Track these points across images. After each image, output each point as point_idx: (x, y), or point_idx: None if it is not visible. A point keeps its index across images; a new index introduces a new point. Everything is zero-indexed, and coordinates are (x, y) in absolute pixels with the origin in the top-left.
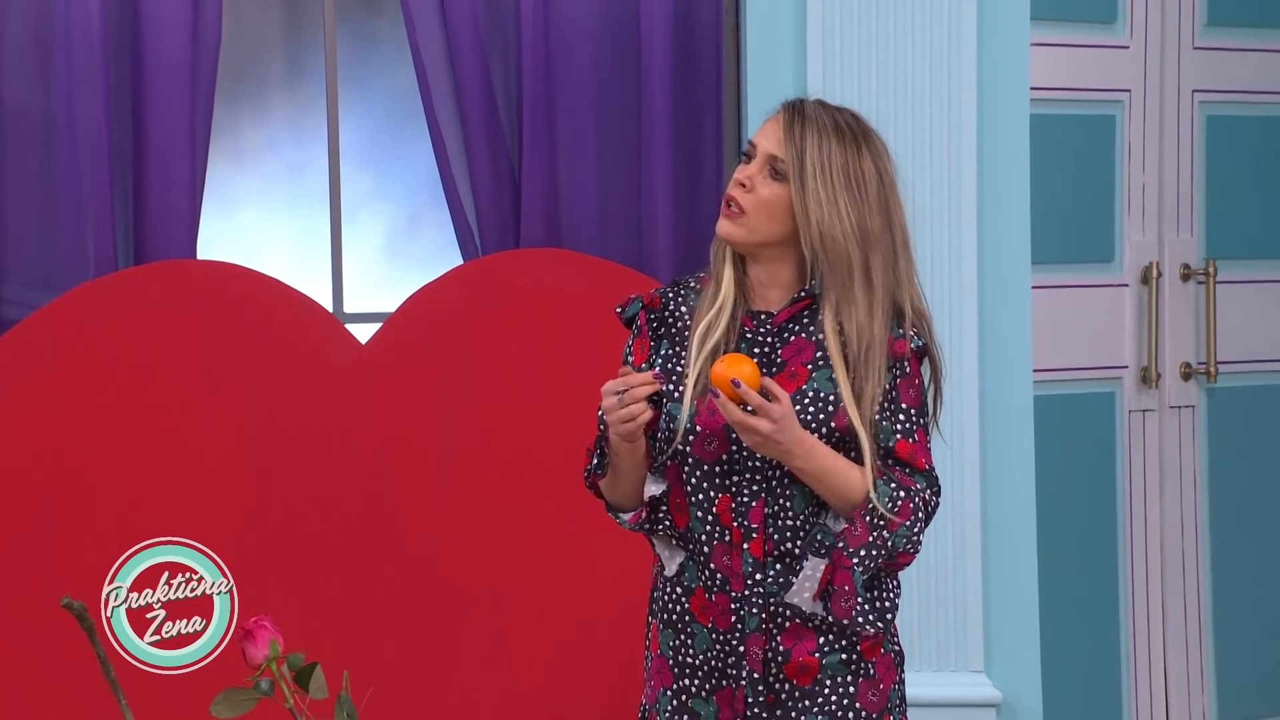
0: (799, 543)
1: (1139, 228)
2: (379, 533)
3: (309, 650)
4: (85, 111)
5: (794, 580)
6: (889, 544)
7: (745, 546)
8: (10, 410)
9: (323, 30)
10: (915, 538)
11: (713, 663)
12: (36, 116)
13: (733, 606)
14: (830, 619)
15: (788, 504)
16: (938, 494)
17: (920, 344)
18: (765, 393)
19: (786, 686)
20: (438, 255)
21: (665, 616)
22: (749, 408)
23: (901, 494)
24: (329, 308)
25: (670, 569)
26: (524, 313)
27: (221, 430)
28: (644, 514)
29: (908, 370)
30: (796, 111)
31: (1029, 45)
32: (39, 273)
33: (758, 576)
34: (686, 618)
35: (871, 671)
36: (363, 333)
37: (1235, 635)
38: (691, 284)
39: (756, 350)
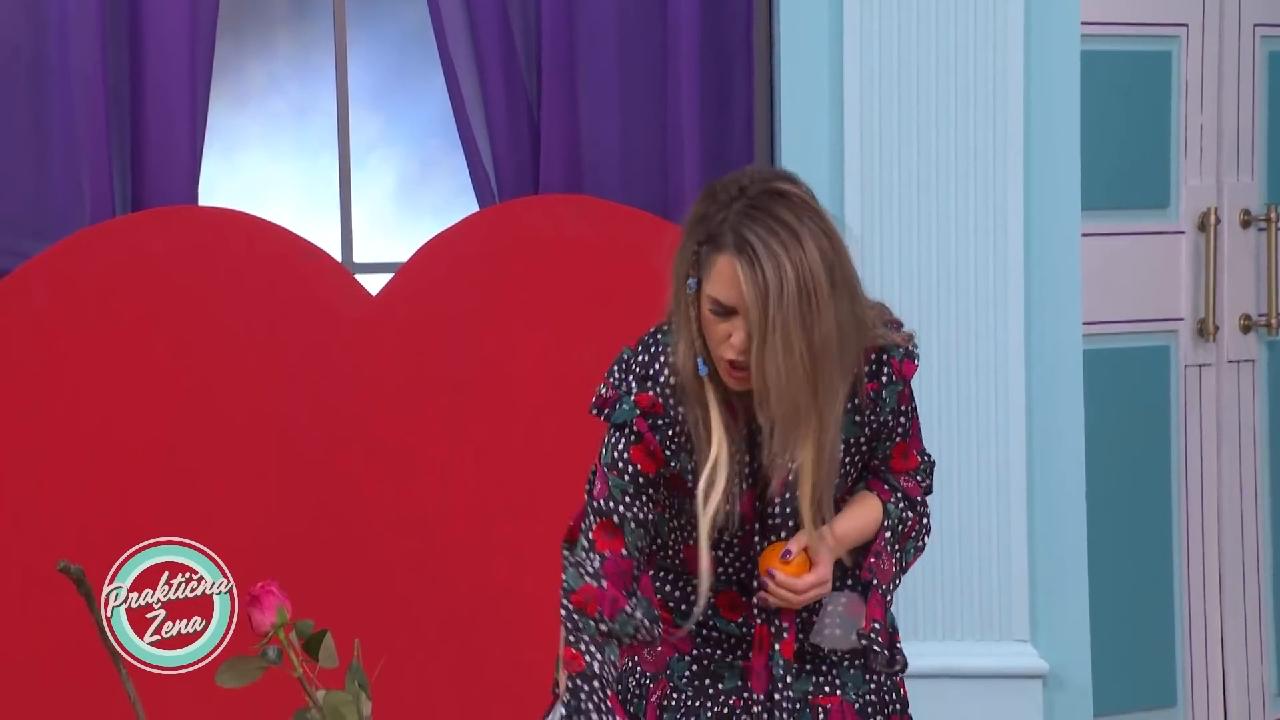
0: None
1: (1196, 171)
2: (389, 497)
3: (316, 623)
4: (79, 49)
5: (814, 619)
6: (903, 562)
7: (776, 648)
8: (1, 368)
9: None
10: (922, 542)
11: (744, 637)
12: (27, 54)
13: (755, 710)
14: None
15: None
16: (932, 470)
17: (918, 352)
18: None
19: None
20: (452, 202)
21: (683, 608)
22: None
23: (909, 515)
24: (338, 257)
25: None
26: (543, 262)
27: (225, 385)
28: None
29: (908, 379)
30: (749, 254)
31: None
32: (31, 220)
33: (788, 680)
34: (710, 612)
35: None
36: (373, 283)
37: None
38: (664, 377)
39: (760, 437)
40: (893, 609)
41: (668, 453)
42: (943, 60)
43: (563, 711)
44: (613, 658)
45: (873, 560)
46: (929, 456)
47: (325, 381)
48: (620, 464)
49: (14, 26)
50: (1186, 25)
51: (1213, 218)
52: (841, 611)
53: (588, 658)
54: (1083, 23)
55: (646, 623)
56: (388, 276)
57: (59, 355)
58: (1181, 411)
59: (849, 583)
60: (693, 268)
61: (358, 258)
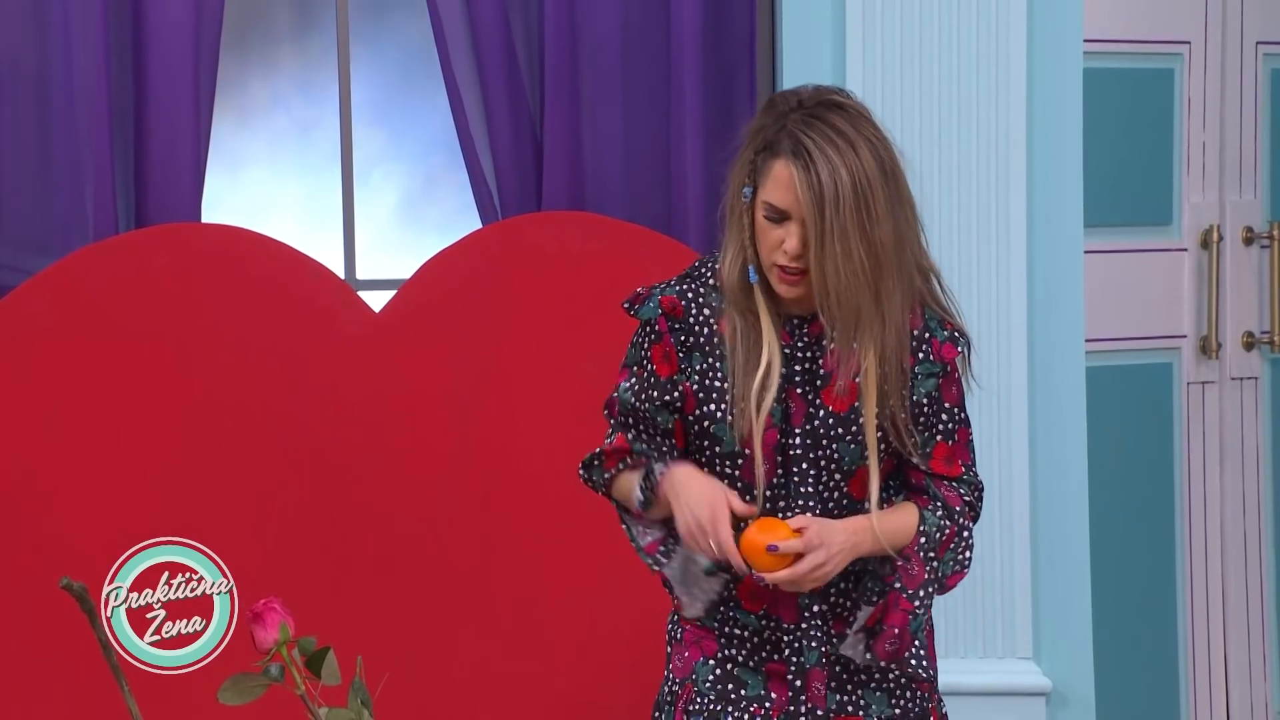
0: (853, 579)
1: (1199, 188)
2: (392, 512)
3: (316, 642)
4: (83, 65)
5: (848, 631)
6: (940, 573)
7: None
8: (3, 383)
9: None
10: (963, 557)
11: (765, 634)
12: (31, 70)
13: (786, 639)
14: (870, 660)
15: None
16: (980, 494)
17: (965, 340)
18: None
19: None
20: (455, 218)
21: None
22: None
23: (946, 523)
24: (340, 274)
25: (692, 609)
26: (546, 279)
27: (228, 400)
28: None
29: (949, 371)
30: (805, 159)
31: None
32: (35, 237)
33: (815, 608)
34: (732, 604)
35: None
36: (376, 300)
37: None
38: (707, 276)
39: (798, 366)
40: (926, 618)
41: (680, 354)
42: (945, 78)
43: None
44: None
45: (900, 564)
46: (977, 477)
47: (328, 397)
48: (643, 360)
49: (18, 43)
50: (1189, 42)
51: (1215, 235)
52: (865, 617)
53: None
54: (1085, 40)
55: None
56: (391, 293)
57: (63, 371)
58: (1184, 428)
59: (880, 591)
60: (749, 176)
61: (361, 274)
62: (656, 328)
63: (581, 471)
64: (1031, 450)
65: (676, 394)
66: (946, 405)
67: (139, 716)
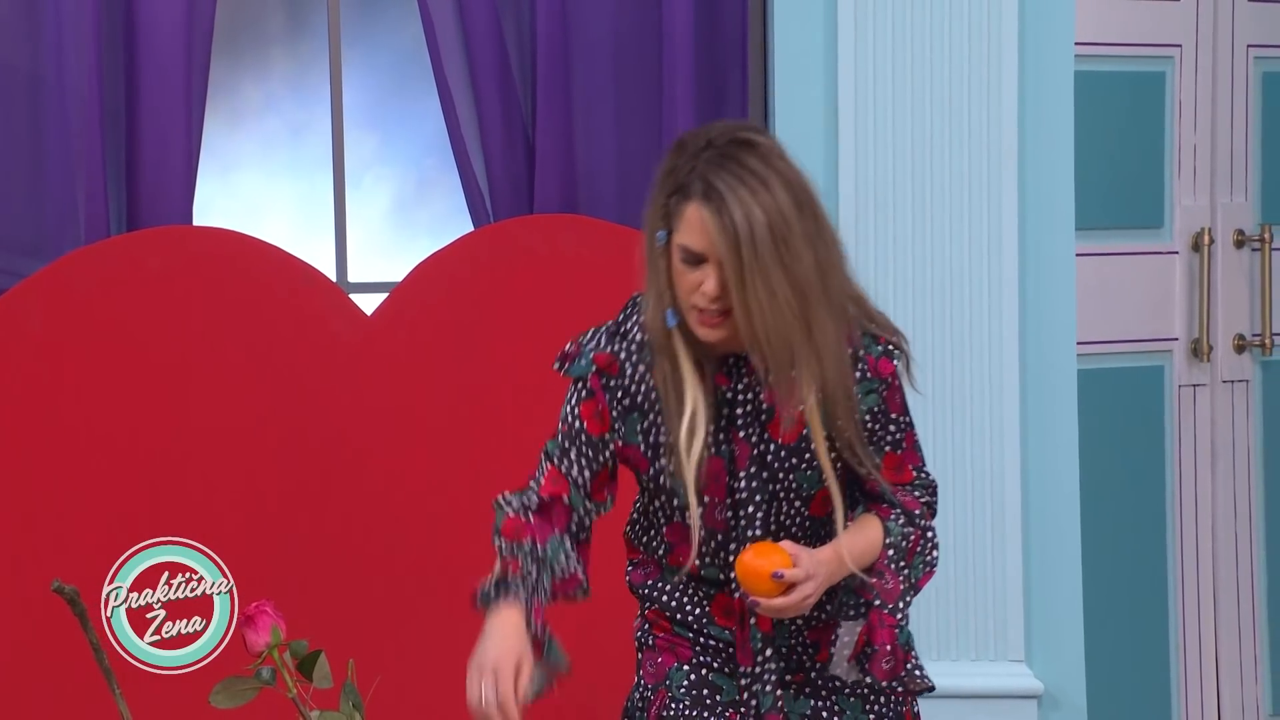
0: (818, 611)
1: (1190, 191)
2: (385, 516)
3: (312, 643)
4: (75, 68)
5: (831, 650)
6: (912, 579)
7: (753, 621)
8: None
9: None
10: (930, 558)
11: (735, 647)
12: (23, 73)
13: (743, 683)
14: (871, 682)
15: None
16: (935, 492)
17: (900, 352)
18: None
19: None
20: (447, 221)
21: (678, 617)
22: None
23: (910, 529)
24: (332, 277)
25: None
26: (538, 282)
27: (220, 406)
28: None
29: (890, 383)
30: (717, 201)
31: None
32: (26, 239)
33: (768, 653)
34: (704, 619)
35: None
36: (368, 303)
37: None
38: (635, 331)
39: (740, 410)
40: (909, 626)
41: (614, 413)
42: (937, 80)
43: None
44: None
45: (875, 580)
46: (929, 476)
47: (320, 401)
48: (570, 418)
49: (10, 45)
50: (1180, 46)
51: (1206, 238)
52: (853, 641)
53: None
54: (1077, 43)
55: (576, 558)
56: (383, 296)
57: (57, 373)
58: (1176, 431)
59: (856, 605)
60: (662, 220)
61: (353, 277)
62: (589, 385)
63: (497, 501)
64: (1023, 452)
65: (607, 454)
66: (891, 415)
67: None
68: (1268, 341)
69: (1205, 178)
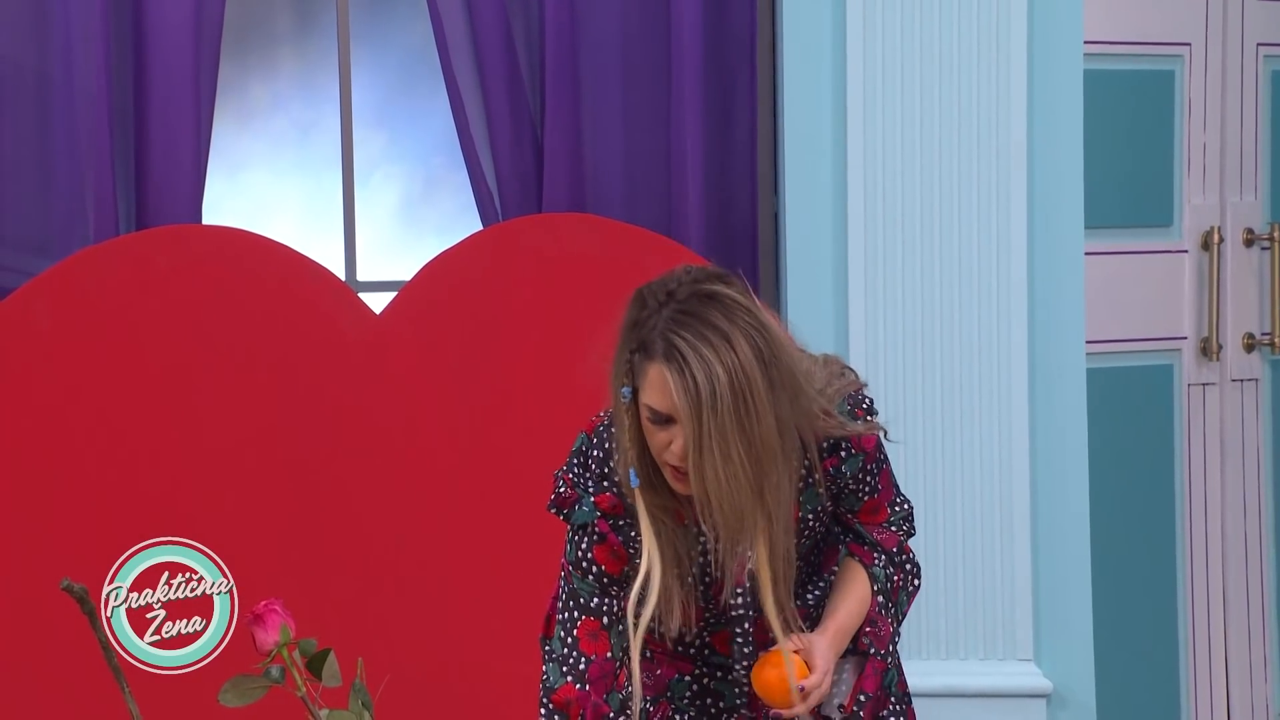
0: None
1: (1199, 190)
2: (392, 515)
3: (318, 640)
4: (84, 67)
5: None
6: (899, 613)
7: (748, 650)
8: (3, 384)
9: None
10: (912, 586)
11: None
12: (32, 72)
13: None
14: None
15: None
16: (910, 516)
17: (869, 408)
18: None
19: None
20: (455, 220)
21: (678, 649)
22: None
23: (891, 570)
24: (341, 276)
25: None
26: (546, 280)
27: (228, 402)
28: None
29: (871, 454)
30: (679, 362)
31: None
32: (35, 238)
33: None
34: (706, 650)
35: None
36: (377, 302)
37: None
38: (612, 471)
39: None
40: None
41: (631, 551)
42: (946, 79)
43: None
44: None
45: (869, 629)
46: (905, 504)
47: (328, 399)
48: (585, 564)
49: (19, 44)
50: (1189, 44)
51: (1216, 236)
52: (849, 679)
53: None
54: (1086, 42)
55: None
56: (391, 295)
57: (63, 372)
58: (1185, 430)
59: (852, 653)
60: (627, 376)
61: (361, 276)
62: (597, 530)
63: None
64: (1032, 452)
65: (629, 581)
66: (869, 467)
67: (139, 718)
68: (1277, 340)
69: (1215, 176)
